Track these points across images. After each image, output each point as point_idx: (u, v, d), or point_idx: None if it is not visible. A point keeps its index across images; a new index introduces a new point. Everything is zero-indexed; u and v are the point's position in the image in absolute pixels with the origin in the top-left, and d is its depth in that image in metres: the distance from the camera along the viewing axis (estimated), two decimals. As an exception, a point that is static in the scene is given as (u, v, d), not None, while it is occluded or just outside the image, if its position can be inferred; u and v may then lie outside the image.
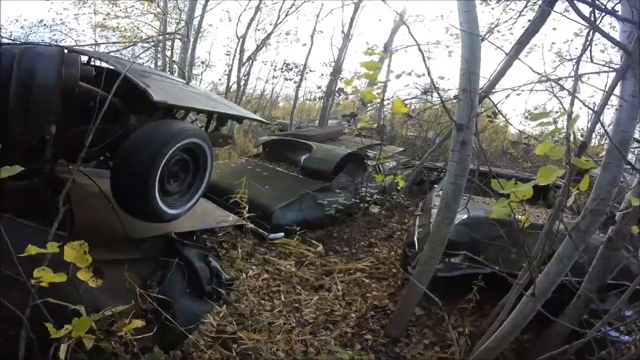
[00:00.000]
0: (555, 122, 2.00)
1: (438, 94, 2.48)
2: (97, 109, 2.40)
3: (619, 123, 1.98)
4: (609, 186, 2.05)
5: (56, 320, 1.79)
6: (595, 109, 2.20)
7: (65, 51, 2.57)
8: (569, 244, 2.20)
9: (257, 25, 10.56)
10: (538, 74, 2.43)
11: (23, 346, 1.84)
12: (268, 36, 10.48)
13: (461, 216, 3.72)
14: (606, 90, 2.05)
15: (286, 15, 10.36)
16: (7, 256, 1.76)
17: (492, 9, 5.13)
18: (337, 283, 3.84)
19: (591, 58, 2.03)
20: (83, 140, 2.36)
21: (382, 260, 4.66)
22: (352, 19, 10.75)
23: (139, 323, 1.92)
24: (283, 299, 3.44)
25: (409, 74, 8.36)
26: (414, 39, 2.46)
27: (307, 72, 11.73)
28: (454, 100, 2.81)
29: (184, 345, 2.61)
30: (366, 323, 3.33)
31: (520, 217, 2.19)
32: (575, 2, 1.85)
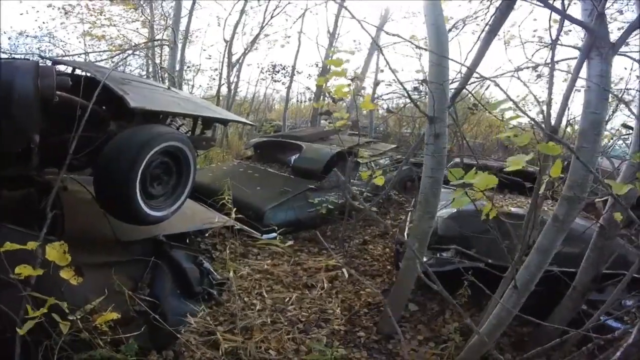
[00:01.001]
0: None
1: (403, 87, 2.50)
2: (78, 117, 2.49)
3: (588, 104, 1.93)
4: (584, 171, 1.99)
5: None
6: (564, 93, 2.18)
7: (49, 63, 2.64)
8: (546, 234, 2.17)
9: (243, 29, 10.63)
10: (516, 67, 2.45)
11: (19, 346, 1.90)
12: (255, 38, 10.50)
13: (450, 210, 3.75)
14: (572, 73, 2.03)
15: (271, 17, 10.37)
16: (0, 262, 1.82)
17: (470, 0, 5.13)
18: (331, 281, 3.85)
19: (551, 40, 2.00)
20: (66, 149, 2.45)
21: (377, 258, 4.68)
22: (337, 16, 10.66)
23: (114, 315, 1.98)
24: (275, 297, 3.45)
25: (382, 70, 8.42)
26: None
27: (296, 74, 11.76)
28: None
29: (175, 345, 2.63)
30: (359, 320, 3.33)
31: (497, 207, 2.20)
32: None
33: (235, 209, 4.06)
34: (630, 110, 2.32)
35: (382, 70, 9.45)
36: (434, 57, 2.49)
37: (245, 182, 5.17)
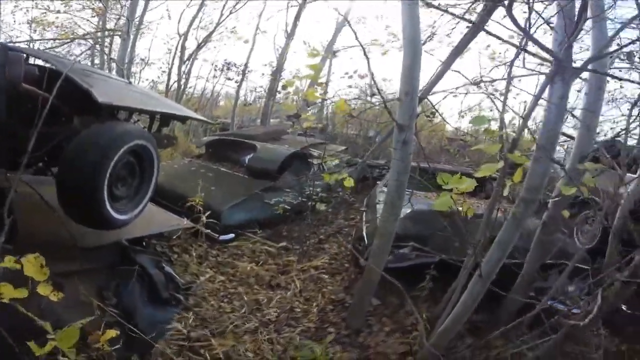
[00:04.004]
0: (489, 122, 2.28)
1: (381, 95, 2.65)
2: (39, 112, 2.22)
3: (547, 123, 2.21)
4: (540, 178, 2.28)
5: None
6: (526, 111, 2.48)
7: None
8: (506, 230, 2.44)
9: (199, 23, 10.37)
10: (474, 81, 2.69)
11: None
12: (210, 34, 10.27)
13: (406, 210, 3.99)
14: (536, 93, 2.32)
15: (230, 13, 10.24)
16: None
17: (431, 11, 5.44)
18: (294, 280, 3.90)
19: (524, 63, 2.27)
20: (21, 146, 2.19)
21: (334, 256, 4.82)
22: (297, 18, 10.70)
23: (113, 333, 1.85)
24: (243, 299, 3.44)
25: (350, 76, 8.66)
26: (359, 41, 2.61)
27: (248, 72, 11.60)
28: (393, 101, 2.99)
29: (152, 355, 2.53)
30: (327, 317, 3.42)
31: (461, 208, 2.45)
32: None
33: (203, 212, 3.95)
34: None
35: (350, 76, 9.63)
36: (407, 69, 2.65)
37: (200, 182, 5.03)
